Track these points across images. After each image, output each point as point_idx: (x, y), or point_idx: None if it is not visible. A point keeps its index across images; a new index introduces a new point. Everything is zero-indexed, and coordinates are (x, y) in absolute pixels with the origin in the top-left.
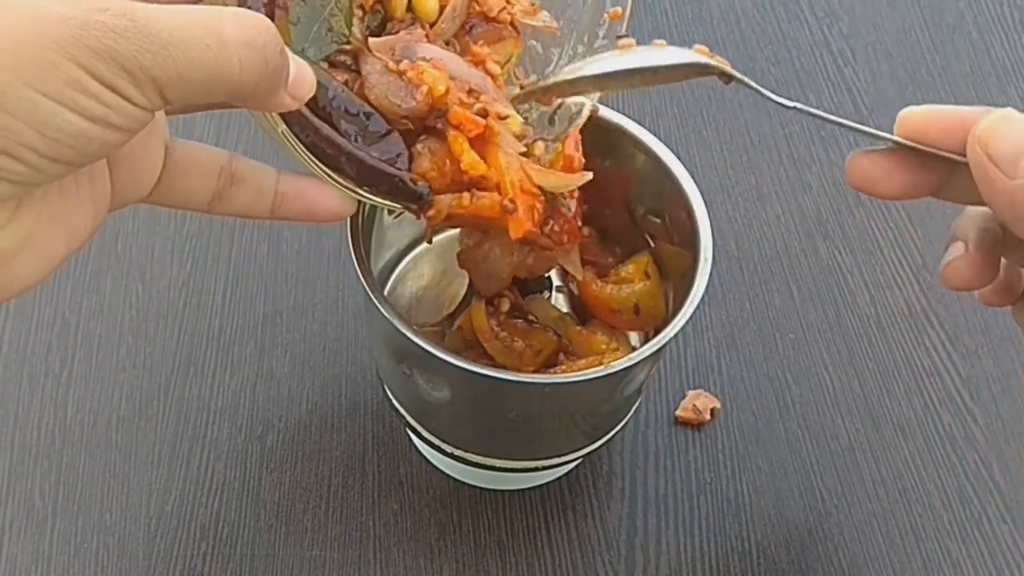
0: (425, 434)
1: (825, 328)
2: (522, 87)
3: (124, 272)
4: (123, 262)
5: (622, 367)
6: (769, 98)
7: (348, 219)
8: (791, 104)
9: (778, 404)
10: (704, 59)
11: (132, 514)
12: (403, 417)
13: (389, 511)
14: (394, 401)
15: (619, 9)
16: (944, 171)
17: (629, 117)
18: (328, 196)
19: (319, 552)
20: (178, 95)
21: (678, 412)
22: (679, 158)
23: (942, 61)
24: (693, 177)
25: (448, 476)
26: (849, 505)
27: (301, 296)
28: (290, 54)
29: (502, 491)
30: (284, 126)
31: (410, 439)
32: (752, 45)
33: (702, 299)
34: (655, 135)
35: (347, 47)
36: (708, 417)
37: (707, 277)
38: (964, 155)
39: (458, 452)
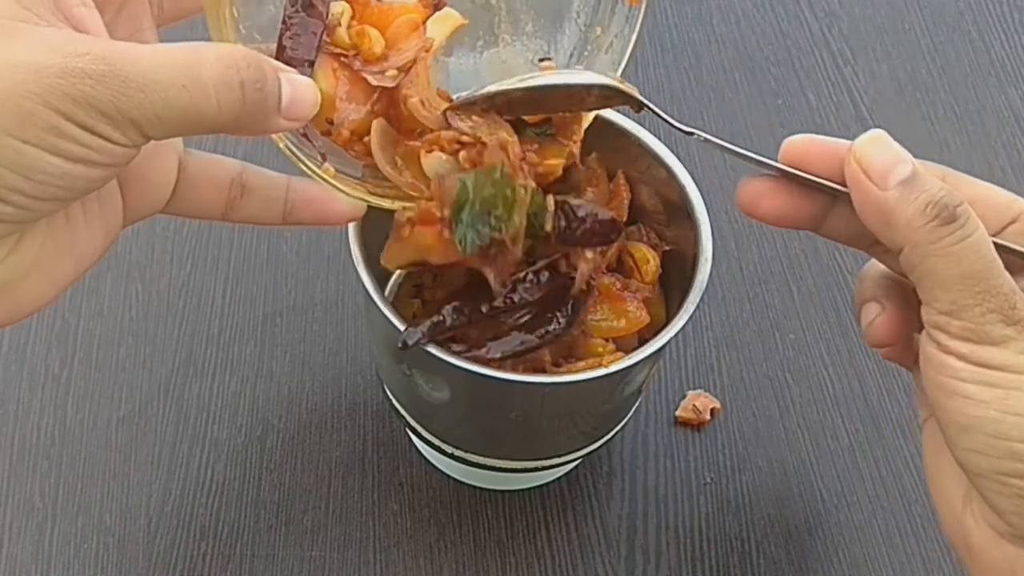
0: (425, 434)
1: (825, 328)
2: (449, 100)
3: (124, 272)
4: (123, 262)
5: (622, 367)
6: (673, 125)
7: None
8: (692, 131)
9: (778, 404)
10: (615, 83)
11: (132, 514)
12: (403, 417)
13: (389, 511)
14: (394, 401)
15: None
16: (825, 203)
17: (629, 117)
18: (337, 202)
19: (319, 552)
20: (159, 133)
21: (678, 412)
22: (679, 158)
23: (942, 61)
24: (693, 177)
25: (448, 476)
26: (849, 505)
27: (301, 296)
28: (291, 76)
29: (502, 491)
30: (286, 142)
31: (410, 439)
32: (752, 45)
33: (702, 299)
34: (655, 135)
35: None
36: (708, 417)
37: (707, 277)
38: (840, 183)
39: (458, 452)
